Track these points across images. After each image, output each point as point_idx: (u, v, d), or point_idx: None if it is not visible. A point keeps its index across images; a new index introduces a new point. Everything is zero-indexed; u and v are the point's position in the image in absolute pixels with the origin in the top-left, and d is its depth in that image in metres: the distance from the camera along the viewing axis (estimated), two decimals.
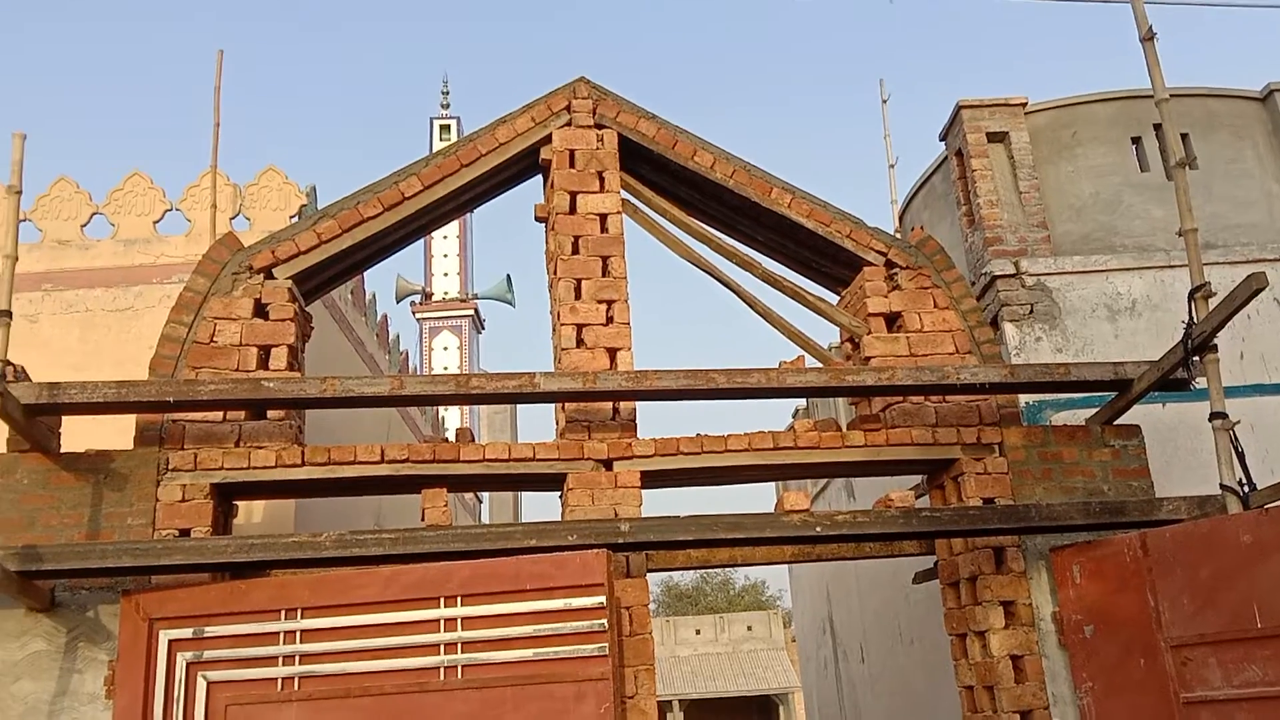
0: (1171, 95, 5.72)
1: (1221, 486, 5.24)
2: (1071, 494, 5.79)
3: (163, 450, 5.36)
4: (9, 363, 4.84)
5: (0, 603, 4.97)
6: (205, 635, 4.86)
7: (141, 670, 4.80)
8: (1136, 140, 7.73)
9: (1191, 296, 5.41)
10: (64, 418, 5.44)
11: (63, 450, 5.34)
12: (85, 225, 8.23)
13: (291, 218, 8.16)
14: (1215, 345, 5.33)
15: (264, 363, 5.68)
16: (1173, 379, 5.58)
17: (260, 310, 5.78)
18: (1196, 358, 5.37)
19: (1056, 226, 7.52)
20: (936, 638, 7.91)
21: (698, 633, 39.31)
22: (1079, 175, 7.69)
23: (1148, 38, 5.72)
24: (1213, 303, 5.33)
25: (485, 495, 17.83)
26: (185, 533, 5.20)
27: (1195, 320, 5.35)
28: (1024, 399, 6.46)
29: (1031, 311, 7.11)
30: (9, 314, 4.89)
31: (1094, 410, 6.15)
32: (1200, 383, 5.50)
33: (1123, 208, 7.56)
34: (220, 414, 5.49)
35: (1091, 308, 7.15)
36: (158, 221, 8.24)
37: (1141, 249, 7.36)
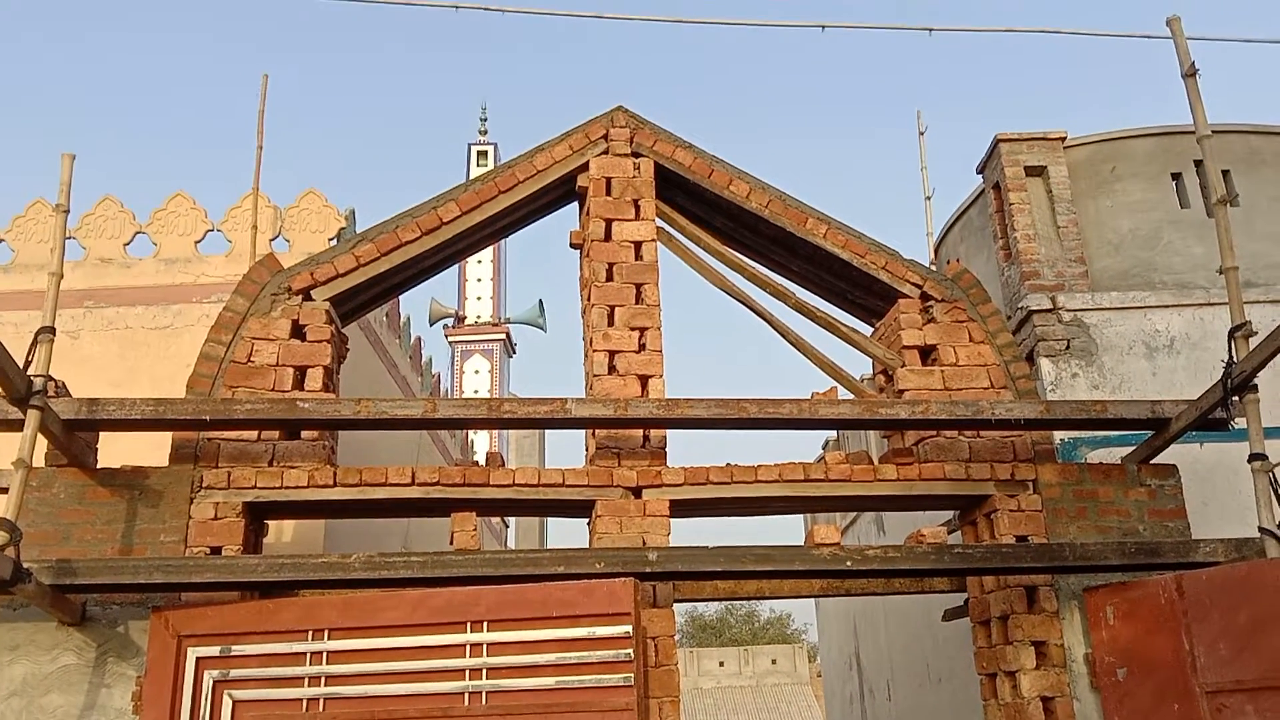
0: (1213, 131, 5.65)
1: (1260, 529, 5.12)
2: (1106, 533, 5.71)
3: (197, 468, 5.42)
4: (50, 378, 4.91)
5: (33, 615, 5.02)
6: (233, 654, 4.88)
7: (169, 687, 4.82)
8: (1177, 176, 7.67)
9: (1232, 335, 5.33)
10: (101, 433, 5.51)
11: (99, 465, 5.41)
12: (128, 244, 8.37)
13: (330, 240, 8.25)
14: (1255, 385, 5.25)
15: (299, 383, 5.73)
16: (1211, 419, 5.50)
17: (298, 331, 5.84)
18: (1236, 397, 5.29)
19: (1094, 262, 7.46)
20: (965, 677, 7.79)
21: (721, 665, 39.05)
22: (1118, 211, 7.63)
23: (1190, 74, 5.68)
24: (1253, 342, 5.25)
25: (511, 521, 17.83)
26: (216, 550, 5.23)
27: (1235, 359, 5.27)
28: (1059, 436, 6.38)
29: (1068, 347, 7.04)
30: (53, 331, 4.97)
31: (1130, 449, 6.07)
32: (1239, 423, 5.41)
33: (1162, 244, 7.49)
34: (255, 433, 5.54)
35: (1129, 344, 7.08)
36: (199, 241, 8.37)
37: (1181, 286, 7.28)
